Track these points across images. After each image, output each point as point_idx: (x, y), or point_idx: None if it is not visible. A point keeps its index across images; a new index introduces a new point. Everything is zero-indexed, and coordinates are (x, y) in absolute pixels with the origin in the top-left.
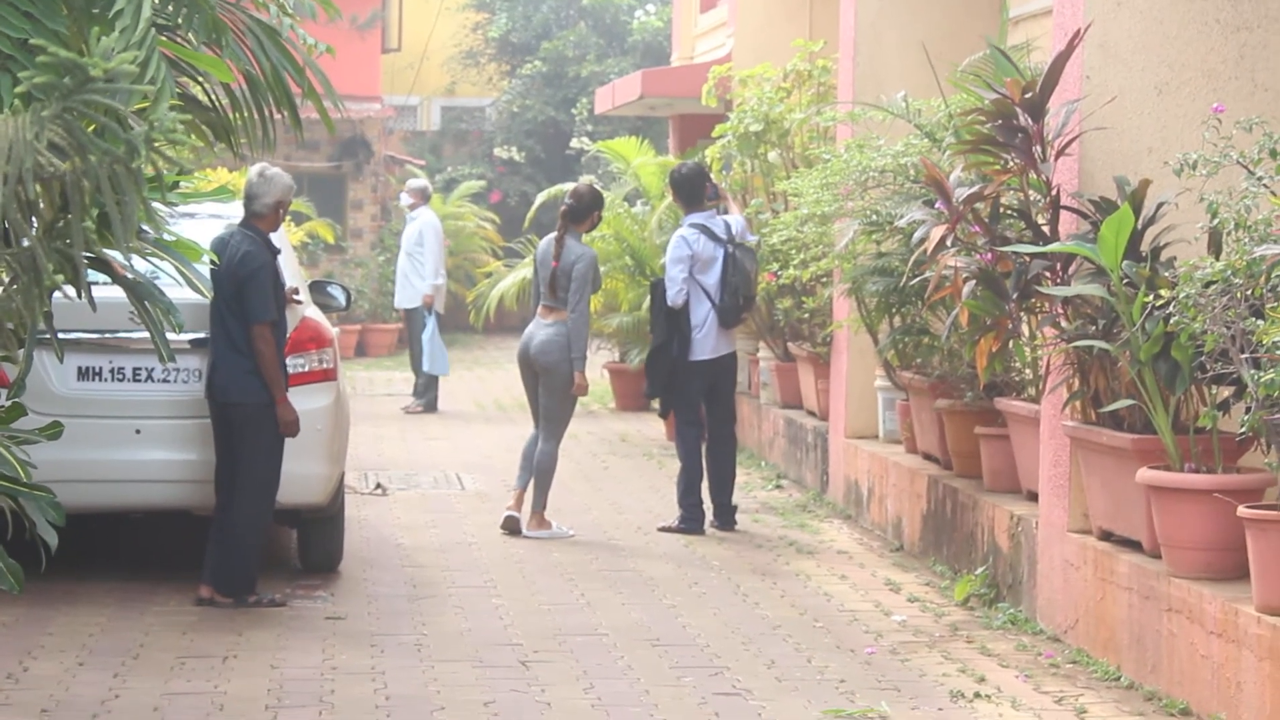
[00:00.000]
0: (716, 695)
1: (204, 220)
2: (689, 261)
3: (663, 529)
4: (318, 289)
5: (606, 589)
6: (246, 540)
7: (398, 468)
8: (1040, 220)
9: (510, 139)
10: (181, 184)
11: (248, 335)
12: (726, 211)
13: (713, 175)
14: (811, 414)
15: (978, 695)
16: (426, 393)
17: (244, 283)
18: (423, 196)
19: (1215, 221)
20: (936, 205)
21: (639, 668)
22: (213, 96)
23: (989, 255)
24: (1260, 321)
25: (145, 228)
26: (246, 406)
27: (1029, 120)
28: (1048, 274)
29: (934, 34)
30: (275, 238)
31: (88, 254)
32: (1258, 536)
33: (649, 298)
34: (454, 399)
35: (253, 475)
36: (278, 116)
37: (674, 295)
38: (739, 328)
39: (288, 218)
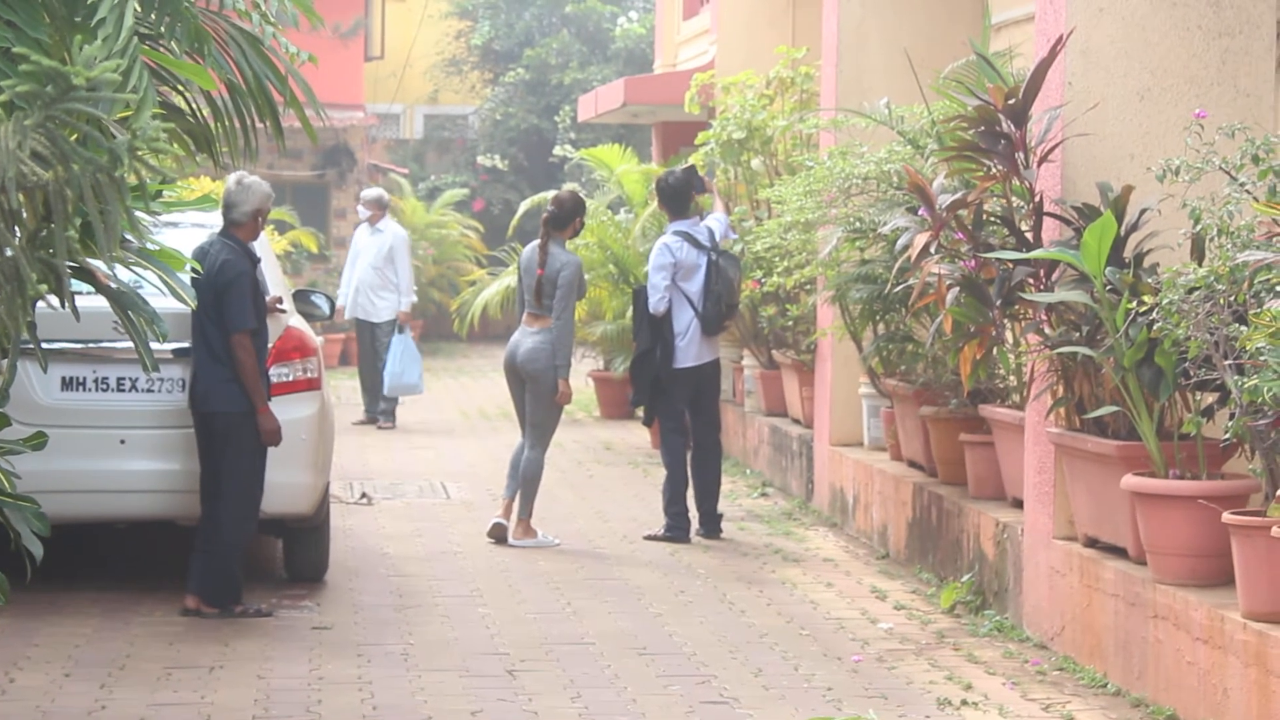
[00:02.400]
0: (704, 704)
1: (187, 229)
2: (671, 269)
3: (649, 537)
4: (301, 298)
5: (593, 598)
6: (231, 550)
7: (383, 477)
8: (1023, 227)
9: (493, 147)
10: (164, 193)
11: (227, 344)
12: (713, 209)
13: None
14: (796, 421)
15: (964, 703)
16: (390, 405)
17: (223, 291)
18: (381, 207)
19: (1198, 227)
20: (920, 212)
21: (626, 676)
22: (194, 105)
23: (972, 262)
24: (1243, 327)
25: (129, 237)
26: (227, 415)
27: (1012, 127)
28: (1031, 280)
29: (917, 40)
30: (258, 246)
31: (71, 263)
32: (1243, 542)
33: (632, 305)
34: (438, 408)
35: (235, 484)
36: (260, 125)
37: (656, 302)
38: (722, 335)
39: (270, 226)
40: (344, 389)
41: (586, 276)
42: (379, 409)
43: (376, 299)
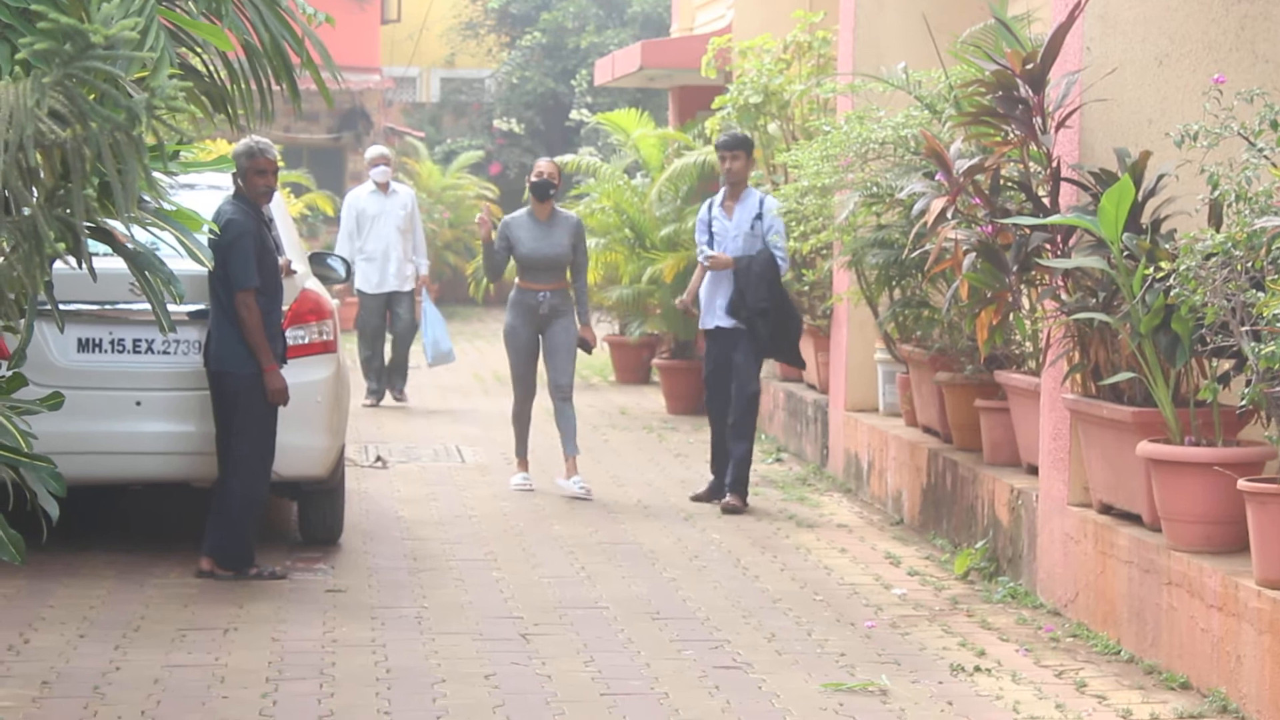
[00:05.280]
0: (717, 668)
1: (204, 191)
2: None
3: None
4: (317, 261)
5: (606, 562)
6: (243, 511)
7: (398, 440)
8: (1040, 192)
9: (510, 110)
10: (182, 154)
11: (234, 303)
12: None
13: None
14: (811, 387)
15: (978, 669)
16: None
17: (226, 250)
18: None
19: (1216, 193)
20: (937, 177)
21: (639, 641)
22: (211, 67)
23: (989, 227)
24: (1261, 294)
25: (146, 197)
26: (237, 376)
27: (1029, 92)
28: (1048, 246)
29: (934, 5)
30: (275, 209)
31: (89, 223)
32: (1258, 510)
33: (744, 269)
34: (453, 371)
35: (246, 445)
36: (276, 88)
37: (786, 265)
38: None
39: (286, 189)
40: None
41: (601, 240)
42: (399, 386)
43: (405, 267)
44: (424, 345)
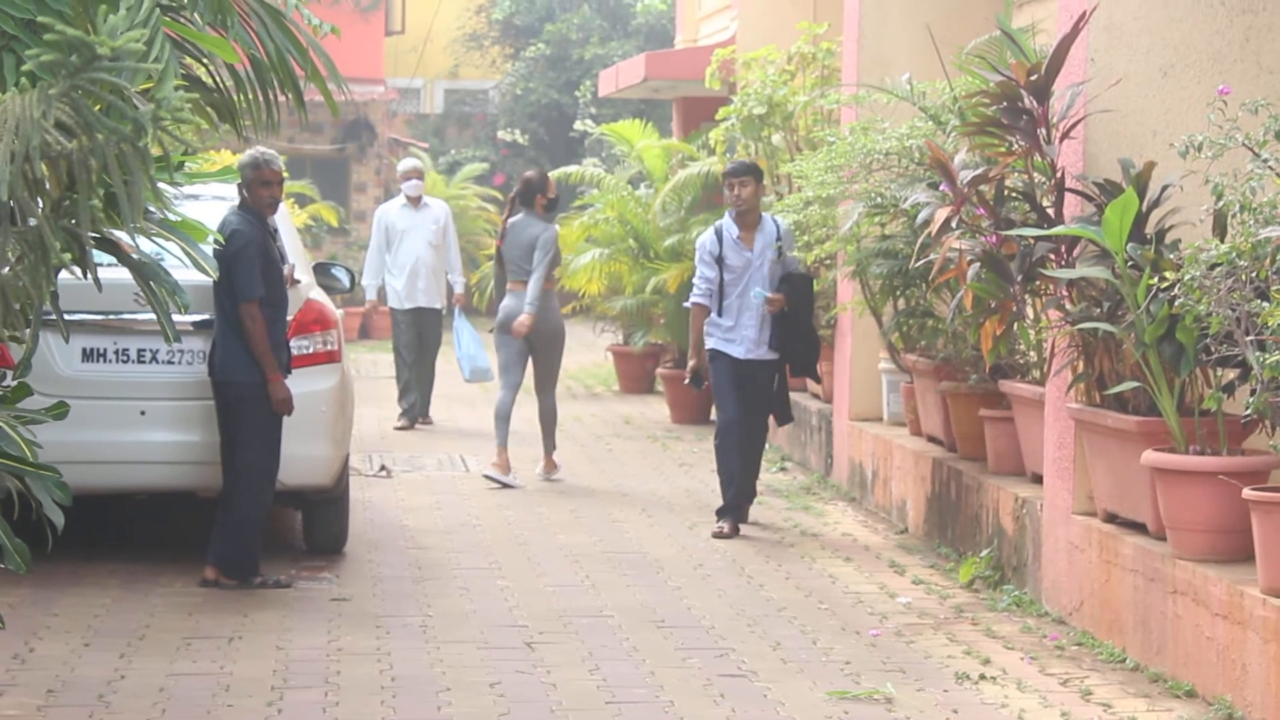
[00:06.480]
0: (722, 677)
1: (209, 202)
2: None
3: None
4: (322, 271)
5: (611, 571)
6: (248, 520)
7: (402, 450)
8: (1045, 203)
9: (514, 122)
10: (187, 164)
11: (238, 313)
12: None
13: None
14: (816, 397)
15: (983, 677)
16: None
17: (231, 261)
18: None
19: (1220, 204)
20: (941, 188)
21: (644, 649)
22: (217, 78)
23: (993, 238)
24: (1265, 304)
25: (151, 208)
26: (241, 385)
27: (1034, 103)
28: (1052, 256)
29: (939, 16)
30: (279, 219)
31: (94, 233)
32: (1263, 519)
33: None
34: (457, 381)
35: (249, 454)
36: (282, 99)
37: None
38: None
39: (291, 200)
40: (364, 362)
41: (605, 251)
42: (423, 408)
43: (437, 283)
44: (458, 361)
